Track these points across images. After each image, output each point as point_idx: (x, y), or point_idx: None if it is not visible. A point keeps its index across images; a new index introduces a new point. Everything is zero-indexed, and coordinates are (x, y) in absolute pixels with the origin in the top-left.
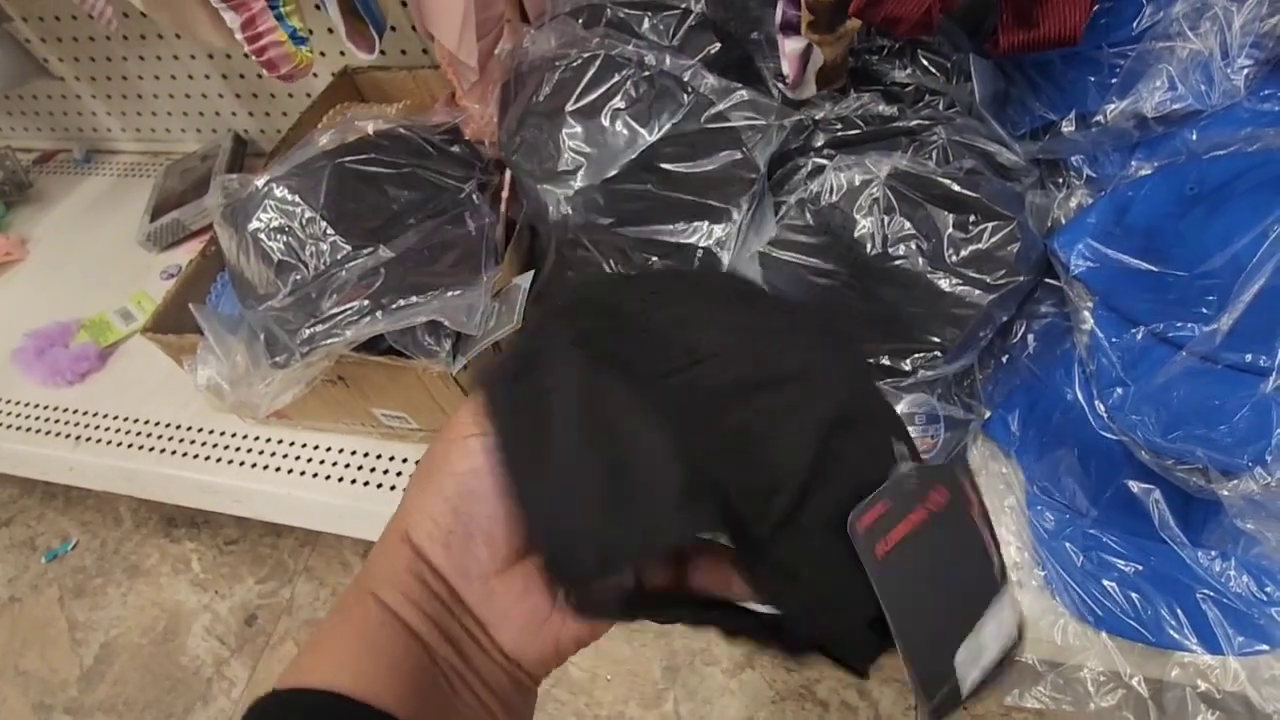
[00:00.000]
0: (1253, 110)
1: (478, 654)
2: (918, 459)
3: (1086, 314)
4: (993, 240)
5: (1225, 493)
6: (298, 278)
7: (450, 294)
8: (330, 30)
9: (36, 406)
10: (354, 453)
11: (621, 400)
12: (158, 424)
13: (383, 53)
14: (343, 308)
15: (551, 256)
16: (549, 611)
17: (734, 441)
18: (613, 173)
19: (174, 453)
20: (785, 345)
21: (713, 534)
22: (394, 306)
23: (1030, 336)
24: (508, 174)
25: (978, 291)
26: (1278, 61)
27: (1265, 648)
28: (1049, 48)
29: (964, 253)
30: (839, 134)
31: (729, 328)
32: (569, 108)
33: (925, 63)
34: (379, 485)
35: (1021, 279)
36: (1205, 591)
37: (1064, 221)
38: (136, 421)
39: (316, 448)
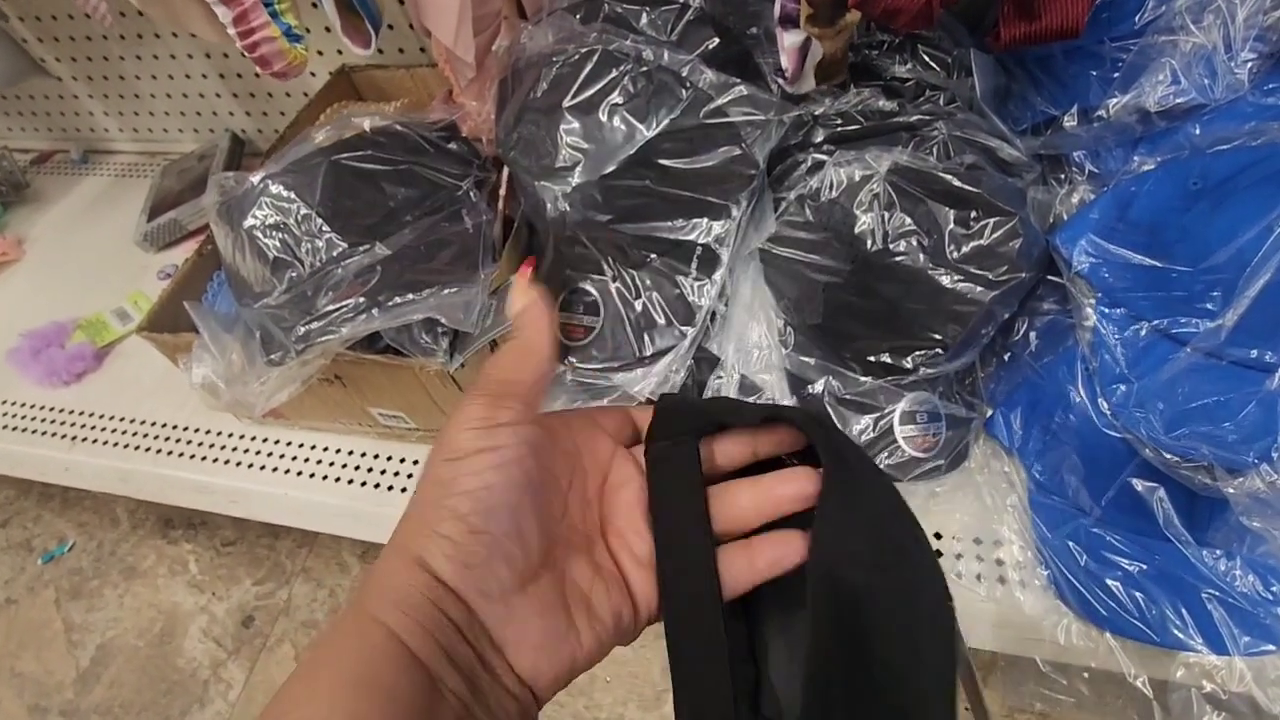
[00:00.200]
0: (1256, 104)
1: (489, 683)
2: None
3: (1089, 310)
4: (994, 236)
5: (1231, 490)
6: (294, 275)
7: (447, 291)
8: (328, 29)
9: (32, 407)
10: (351, 453)
11: None
12: (154, 424)
13: (380, 51)
14: (339, 305)
15: (549, 253)
16: (566, 629)
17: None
18: (611, 169)
19: (171, 453)
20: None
21: None
22: (390, 304)
23: (1032, 333)
24: (505, 171)
25: (979, 288)
26: None
27: (1271, 647)
28: (1051, 41)
29: (965, 249)
30: (839, 129)
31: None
32: (566, 103)
33: (925, 57)
34: (376, 485)
35: (1023, 275)
36: (1210, 591)
37: (1066, 217)
38: (133, 422)
39: (314, 448)
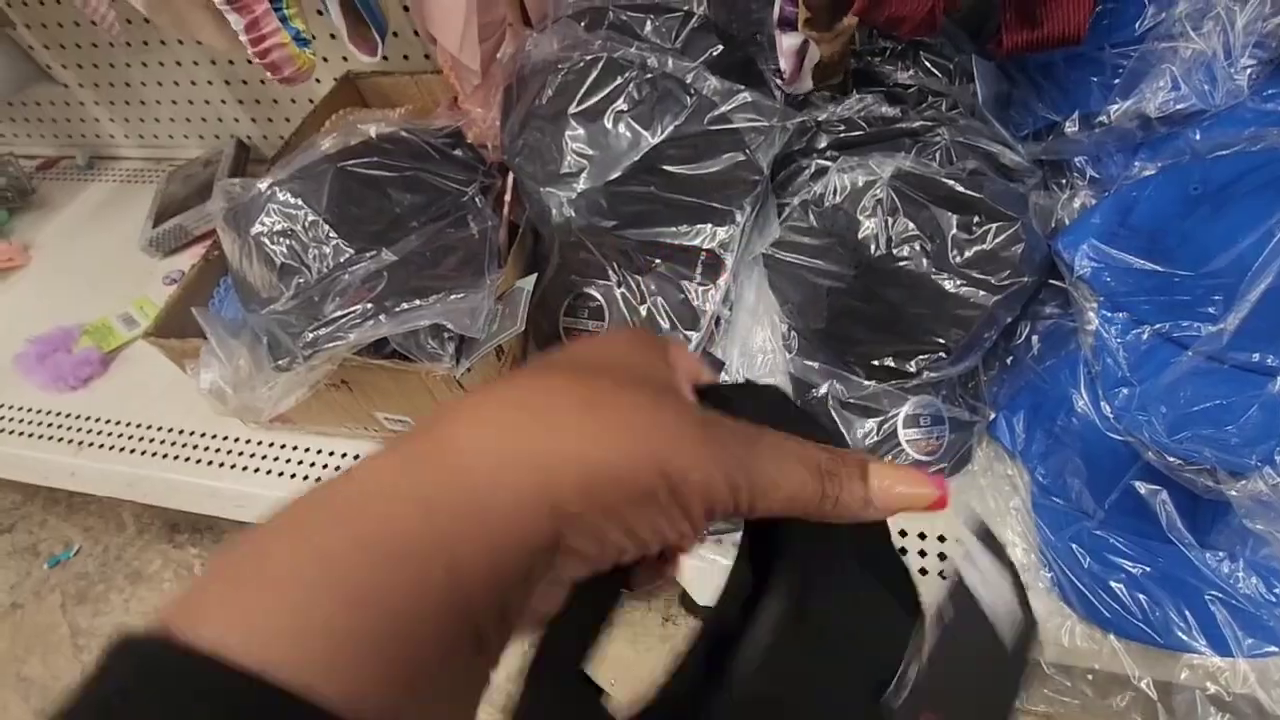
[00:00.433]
0: (1256, 110)
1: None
2: None
3: (1091, 314)
4: (997, 241)
5: (1233, 493)
6: (300, 281)
7: (453, 297)
8: (333, 35)
9: (39, 412)
10: (357, 457)
11: None
12: (160, 429)
13: (385, 57)
14: (345, 311)
15: (554, 259)
16: None
17: None
18: (615, 175)
19: (176, 458)
20: None
21: None
22: (397, 309)
23: (1035, 337)
24: (510, 177)
25: (982, 292)
26: None
27: (1275, 649)
28: (1052, 47)
29: (968, 254)
30: (842, 135)
31: None
32: (572, 110)
33: (928, 64)
34: None
35: (1026, 280)
36: (1214, 593)
37: (1068, 222)
38: (139, 426)
39: (320, 452)
